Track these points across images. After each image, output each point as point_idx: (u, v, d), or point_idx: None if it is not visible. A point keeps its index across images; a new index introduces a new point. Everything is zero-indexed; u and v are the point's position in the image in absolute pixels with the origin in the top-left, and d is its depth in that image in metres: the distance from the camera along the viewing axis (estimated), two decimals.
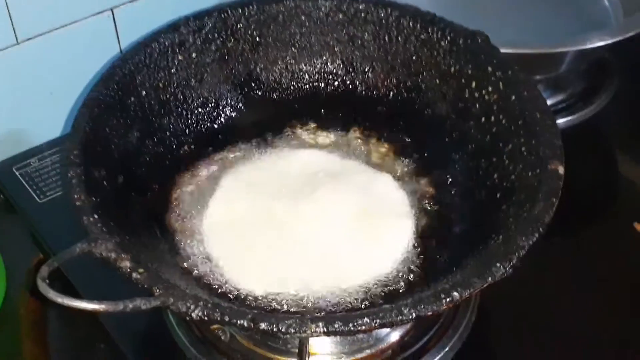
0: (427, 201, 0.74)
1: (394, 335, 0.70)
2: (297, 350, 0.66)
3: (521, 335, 0.73)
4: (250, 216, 0.72)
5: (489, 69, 0.73)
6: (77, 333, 0.74)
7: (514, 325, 0.74)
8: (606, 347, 0.73)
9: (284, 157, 0.79)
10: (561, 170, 0.63)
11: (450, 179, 0.75)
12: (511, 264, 0.56)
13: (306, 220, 0.72)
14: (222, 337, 0.69)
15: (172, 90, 0.78)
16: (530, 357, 0.72)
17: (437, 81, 0.78)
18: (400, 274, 0.68)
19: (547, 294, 0.76)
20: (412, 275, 0.67)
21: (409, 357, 0.69)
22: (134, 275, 0.55)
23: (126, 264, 0.55)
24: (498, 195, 0.68)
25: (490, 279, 0.55)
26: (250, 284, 0.66)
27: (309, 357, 0.65)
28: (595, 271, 0.79)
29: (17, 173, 0.87)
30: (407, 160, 0.78)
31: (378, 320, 0.52)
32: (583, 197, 0.84)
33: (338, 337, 0.67)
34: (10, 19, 0.81)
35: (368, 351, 0.69)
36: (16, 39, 0.83)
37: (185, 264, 0.68)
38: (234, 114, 0.82)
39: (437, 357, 0.69)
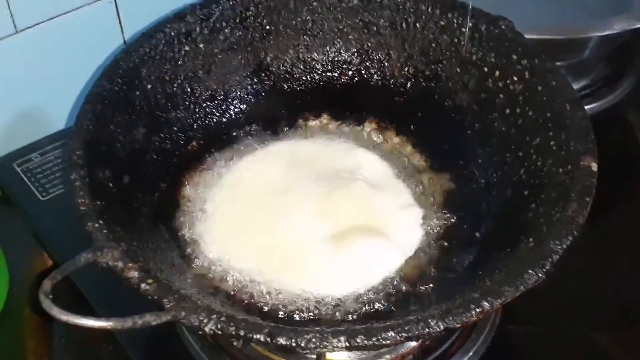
0: (448, 198, 0.71)
1: None
2: (314, 356, 0.63)
3: (548, 336, 0.70)
4: (260, 214, 0.70)
5: (514, 56, 0.70)
6: (82, 334, 0.71)
7: (540, 326, 0.71)
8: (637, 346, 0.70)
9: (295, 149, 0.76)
10: (594, 166, 0.59)
11: (472, 175, 0.72)
12: (545, 270, 0.53)
13: (319, 220, 0.69)
14: (235, 343, 0.67)
15: (179, 82, 0.75)
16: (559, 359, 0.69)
17: (458, 70, 0.75)
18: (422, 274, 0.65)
19: (574, 290, 0.73)
20: (434, 277, 0.65)
21: None
22: (143, 286, 0.52)
23: (134, 274, 0.52)
24: (526, 192, 0.65)
25: (522, 287, 0.52)
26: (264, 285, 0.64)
27: None
28: (623, 262, 0.76)
29: (18, 169, 0.84)
30: (425, 154, 0.76)
31: (404, 334, 0.50)
32: (608, 185, 0.81)
33: None
34: (9, 7, 0.78)
35: (387, 356, 0.66)
36: (15, 28, 0.80)
37: (196, 269, 0.65)
38: (243, 107, 0.80)
39: None
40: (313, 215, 0.69)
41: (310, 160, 0.75)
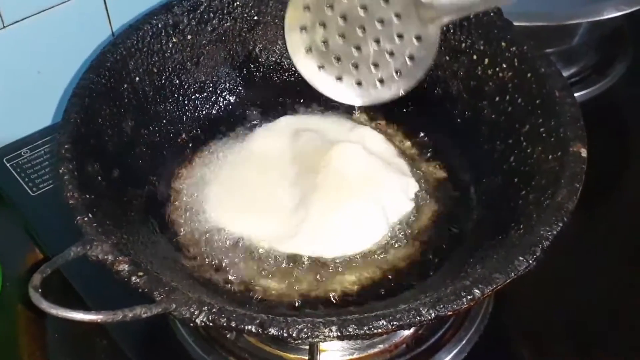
0: (438, 186, 0.71)
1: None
2: (307, 347, 0.63)
3: (541, 323, 0.70)
4: (255, 201, 0.70)
5: (503, 44, 0.69)
6: (75, 329, 0.71)
7: (533, 314, 0.71)
8: (630, 329, 0.70)
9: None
10: (584, 152, 0.59)
11: (462, 163, 0.72)
12: (535, 256, 0.53)
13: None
14: (228, 335, 0.66)
15: (167, 75, 0.74)
16: (551, 347, 0.69)
17: (447, 58, 0.74)
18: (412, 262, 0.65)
19: (566, 277, 0.73)
20: (427, 265, 0.65)
21: (424, 351, 0.66)
22: (133, 279, 0.52)
23: (124, 267, 0.52)
24: (516, 180, 0.64)
25: (513, 273, 0.52)
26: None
27: (319, 354, 0.62)
28: (614, 249, 0.76)
29: (7, 165, 0.84)
30: (416, 142, 0.75)
31: (395, 322, 0.49)
32: (597, 173, 0.81)
33: None
34: None
35: (381, 346, 0.66)
36: (2, 22, 0.79)
37: (187, 261, 0.65)
38: (233, 99, 0.79)
39: (454, 351, 0.66)
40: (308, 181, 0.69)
41: (314, 133, 0.74)
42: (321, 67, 0.72)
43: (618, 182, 0.86)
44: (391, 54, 0.70)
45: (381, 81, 0.71)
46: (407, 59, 0.69)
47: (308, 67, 0.73)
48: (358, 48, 0.70)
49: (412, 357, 0.66)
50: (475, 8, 0.66)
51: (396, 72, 0.70)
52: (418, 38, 0.68)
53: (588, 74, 0.95)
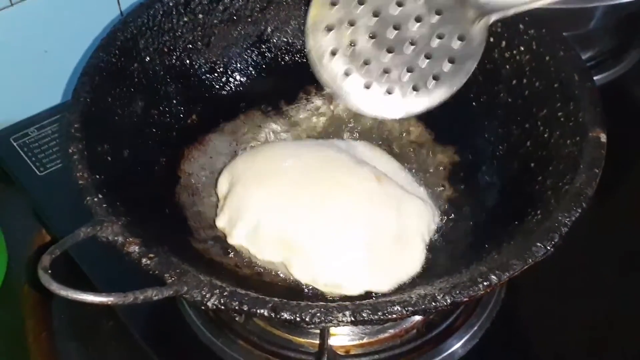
0: (453, 171, 0.70)
1: None
2: (317, 331, 0.62)
3: (554, 310, 0.69)
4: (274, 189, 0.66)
5: (520, 26, 0.68)
6: (82, 310, 0.70)
7: (545, 300, 0.70)
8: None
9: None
10: (603, 138, 0.58)
11: (477, 148, 0.71)
12: (553, 242, 0.52)
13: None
14: (237, 318, 0.66)
15: (178, 54, 0.73)
16: (563, 334, 0.68)
17: None
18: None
19: (580, 263, 0.72)
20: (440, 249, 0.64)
21: (435, 337, 0.66)
22: (144, 260, 0.51)
23: (135, 248, 0.51)
24: (532, 165, 0.63)
25: (530, 260, 0.51)
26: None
27: (330, 338, 0.61)
28: (628, 234, 0.76)
29: (14, 144, 0.83)
30: (430, 127, 0.74)
31: (410, 308, 0.49)
32: (612, 159, 0.80)
33: None
34: None
35: (391, 331, 0.66)
36: (10, 0, 0.79)
37: (198, 244, 0.64)
38: (244, 80, 0.78)
39: (465, 337, 0.66)
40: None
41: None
42: (347, 73, 0.65)
43: (632, 167, 0.85)
44: (429, 57, 0.63)
45: (415, 89, 0.63)
46: (447, 64, 0.62)
47: (332, 74, 0.65)
48: (390, 50, 0.63)
49: (423, 343, 0.66)
50: (527, 4, 0.59)
51: (434, 78, 0.63)
52: (461, 39, 0.62)
53: (603, 58, 0.94)
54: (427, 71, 0.63)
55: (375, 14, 0.62)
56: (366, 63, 0.64)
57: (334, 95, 0.66)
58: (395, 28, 0.63)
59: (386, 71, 0.64)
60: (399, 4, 0.62)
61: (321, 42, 0.64)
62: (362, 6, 0.62)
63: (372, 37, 0.63)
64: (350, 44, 0.64)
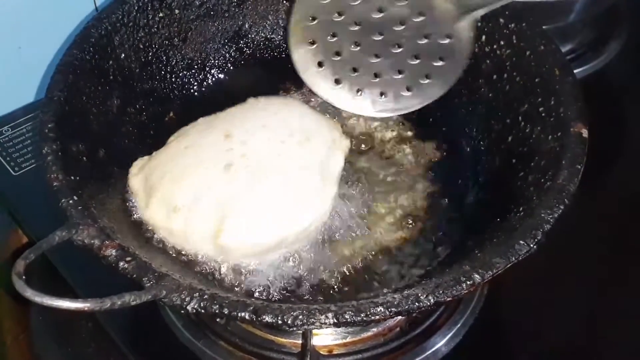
0: (434, 167, 0.70)
1: None
2: (300, 331, 0.62)
3: (538, 306, 0.69)
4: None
5: (501, 20, 0.67)
6: (60, 312, 0.69)
7: (529, 296, 0.70)
8: (622, 317, 0.69)
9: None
10: (585, 133, 0.58)
11: (458, 143, 0.70)
12: (536, 240, 0.51)
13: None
14: (218, 319, 0.65)
15: (154, 51, 0.72)
16: (548, 330, 0.68)
17: None
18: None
19: (563, 259, 0.72)
20: (423, 246, 0.64)
21: (419, 335, 0.65)
22: (121, 264, 0.50)
23: (111, 252, 0.50)
24: (514, 160, 0.63)
25: (513, 258, 0.51)
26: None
27: (312, 337, 0.61)
28: (612, 228, 0.76)
29: None
30: (411, 121, 0.73)
31: (393, 309, 0.48)
32: (592, 151, 0.80)
33: None
34: None
35: (375, 329, 0.65)
36: None
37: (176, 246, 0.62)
38: (222, 76, 0.77)
39: (449, 335, 0.65)
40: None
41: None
42: (337, 81, 0.66)
43: (614, 161, 0.84)
44: (417, 57, 0.64)
45: (408, 89, 0.65)
46: (437, 62, 0.64)
47: (322, 84, 0.67)
48: (377, 55, 0.64)
49: (407, 341, 0.65)
50: None
51: (426, 77, 0.64)
52: (449, 37, 0.63)
53: (583, 51, 0.94)
54: (419, 71, 0.64)
55: (357, 23, 0.64)
56: (355, 70, 0.66)
57: (329, 102, 0.68)
58: (380, 33, 0.64)
59: (377, 75, 0.65)
60: (380, 10, 0.63)
61: (306, 55, 0.66)
62: (343, 17, 0.63)
63: (357, 45, 0.65)
64: (336, 54, 0.65)
